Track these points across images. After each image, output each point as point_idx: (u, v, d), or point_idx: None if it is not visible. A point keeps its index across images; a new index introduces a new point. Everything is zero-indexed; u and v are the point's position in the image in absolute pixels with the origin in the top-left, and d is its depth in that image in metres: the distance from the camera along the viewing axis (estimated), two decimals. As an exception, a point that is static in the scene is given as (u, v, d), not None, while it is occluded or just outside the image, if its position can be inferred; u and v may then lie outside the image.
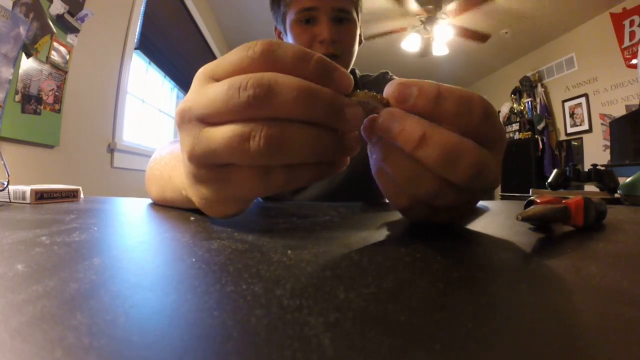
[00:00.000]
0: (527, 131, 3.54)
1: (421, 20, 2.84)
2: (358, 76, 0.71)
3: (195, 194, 0.21)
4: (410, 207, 0.21)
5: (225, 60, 0.18)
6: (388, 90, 0.18)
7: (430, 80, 0.18)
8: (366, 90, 0.19)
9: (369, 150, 0.21)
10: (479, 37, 3.01)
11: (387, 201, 0.84)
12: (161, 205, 0.36)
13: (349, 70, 0.67)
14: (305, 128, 0.16)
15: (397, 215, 0.32)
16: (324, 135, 0.17)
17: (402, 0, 2.59)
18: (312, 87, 0.16)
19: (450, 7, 2.69)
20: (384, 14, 2.77)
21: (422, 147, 0.16)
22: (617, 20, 2.59)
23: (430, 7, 2.70)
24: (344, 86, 0.17)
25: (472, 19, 2.85)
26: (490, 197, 3.97)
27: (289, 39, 0.61)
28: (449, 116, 0.17)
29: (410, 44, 3.03)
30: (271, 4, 0.63)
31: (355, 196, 0.65)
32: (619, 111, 2.58)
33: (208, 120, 0.17)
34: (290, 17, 0.59)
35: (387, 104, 0.18)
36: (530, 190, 1.61)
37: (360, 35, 0.65)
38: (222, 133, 0.16)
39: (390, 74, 0.71)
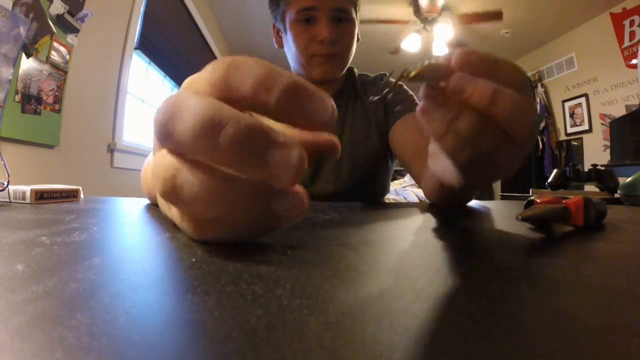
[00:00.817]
0: (527, 131, 3.54)
1: (421, 20, 2.84)
2: (357, 75, 0.71)
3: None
4: (473, 162, 0.21)
5: (195, 83, 0.15)
6: (453, 58, 0.20)
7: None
8: (427, 61, 0.20)
9: (420, 118, 0.22)
10: (492, 16, 2.91)
11: (386, 201, 0.84)
12: (156, 205, 0.35)
13: (347, 69, 0.67)
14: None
15: (396, 215, 0.32)
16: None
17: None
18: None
19: (453, 15, 2.69)
20: None
21: (494, 103, 0.18)
22: (617, 20, 2.59)
23: (434, 14, 2.69)
24: (318, 118, 0.14)
25: (473, 24, 2.85)
26: (491, 197, 3.97)
27: (288, 37, 0.61)
28: (502, 79, 0.19)
29: (411, 44, 3.03)
30: (270, 2, 0.63)
31: (359, 194, 0.65)
32: (619, 111, 2.58)
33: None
34: (289, 16, 0.59)
35: (451, 71, 0.20)
36: (530, 190, 1.61)
37: (357, 34, 0.65)
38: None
39: (388, 75, 0.72)
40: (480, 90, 0.19)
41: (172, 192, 0.14)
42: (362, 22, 0.67)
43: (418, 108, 0.22)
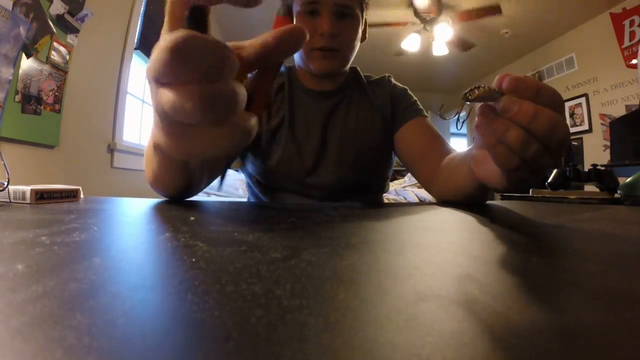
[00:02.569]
0: (527, 131, 3.54)
1: (422, 20, 2.84)
2: (362, 75, 0.72)
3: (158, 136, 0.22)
4: (518, 167, 0.27)
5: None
6: (504, 83, 0.26)
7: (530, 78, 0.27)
8: (486, 86, 0.26)
9: (476, 133, 0.29)
10: (464, 45, 3.05)
11: (386, 201, 0.84)
12: (155, 190, 0.42)
13: (350, 67, 0.68)
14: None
15: (396, 215, 0.32)
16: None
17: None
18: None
19: (454, 12, 2.69)
20: (386, 0, 2.75)
21: (534, 121, 0.25)
22: (617, 20, 2.59)
23: (437, 7, 2.69)
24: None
25: (473, 20, 2.85)
26: (491, 197, 3.97)
27: None
28: (543, 101, 0.26)
29: (410, 44, 3.03)
30: None
31: (362, 186, 0.66)
32: (619, 111, 2.58)
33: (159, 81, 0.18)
34: (295, 7, 0.60)
35: (502, 94, 0.26)
36: (531, 190, 1.61)
37: (364, 32, 0.65)
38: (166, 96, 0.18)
39: (392, 77, 0.73)
40: (524, 109, 0.25)
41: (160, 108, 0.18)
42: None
43: (475, 123, 0.28)
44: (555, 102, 0.26)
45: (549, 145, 0.26)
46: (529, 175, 0.29)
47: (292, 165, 0.62)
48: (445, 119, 0.45)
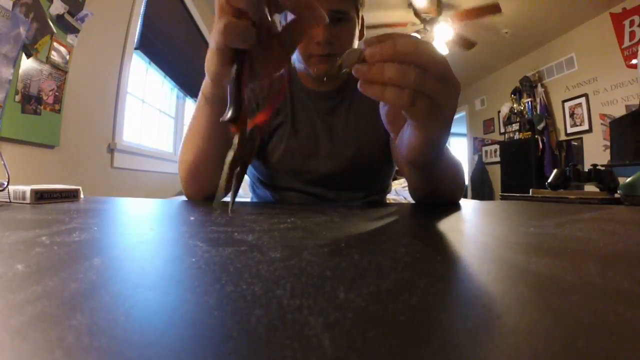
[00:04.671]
0: (527, 131, 3.54)
1: (422, 20, 2.84)
2: None
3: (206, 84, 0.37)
4: (414, 99, 0.28)
5: None
6: (362, 46, 0.28)
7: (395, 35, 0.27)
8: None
9: (362, 90, 0.29)
10: (466, 44, 3.04)
11: (387, 201, 0.84)
12: (195, 167, 0.48)
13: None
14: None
15: (396, 215, 0.32)
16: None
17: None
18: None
19: (453, 12, 2.70)
20: (385, 1, 2.76)
21: (397, 50, 0.26)
22: (617, 20, 2.59)
23: (438, 7, 2.69)
24: None
25: (472, 19, 2.85)
26: (491, 197, 3.97)
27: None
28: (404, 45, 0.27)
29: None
30: None
31: (362, 183, 0.66)
32: (619, 111, 2.58)
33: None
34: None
35: (364, 59, 0.27)
36: (531, 190, 1.61)
37: (361, 31, 0.65)
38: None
39: None
40: (386, 47, 0.27)
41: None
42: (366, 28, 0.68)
43: (358, 85, 0.28)
44: (416, 42, 0.26)
45: (428, 67, 0.26)
46: (434, 108, 0.28)
47: (293, 163, 0.62)
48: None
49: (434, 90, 0.27)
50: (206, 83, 0.38)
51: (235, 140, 0.21)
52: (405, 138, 0.35)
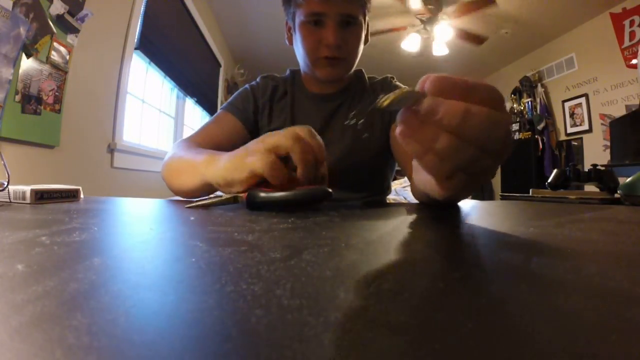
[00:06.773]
0: (527, 131, 3.54)
1: (421, 20, 2.84)
2: (366, 77, 0.73)
3: (220, 180, 0.39)
4: (452, 174, 0.24)
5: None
6: (426, 84, 0.21)
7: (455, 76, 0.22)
8: (403, 88, 0.22)
9: (400, 140, 0.23)
10: (476, 39, 3.02)
11: (387, 202, 0.84)
12: (180, 197, 0.50)
13: (354, 70, 0.68)
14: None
15: (396, 215, 0.32)
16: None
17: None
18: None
19: (450, 8, 2.70)
20: (385, 10, 2.77)
21: (464, 122, 0.20)
22: (617, 20, 2.59)
23: (432, 7, 2.70)
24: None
25: (472, 19, 2.85)
26: (491, 197, 3.96)
27: (297, 37, 0.63)
28: (475, 99, 0.21)
29: (410, 44, 3.03)
30: (283, 1, 0.65)
31: (362, 182, 0.66)
32: (619, 111, 2.58)
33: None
34: (299, 17, 0.60)
35: (424, 95, 0.21)
36: (531, 190, 1.61)
37: (366, 36, 0.66)
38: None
39: (394, 78, 0.74)
40: (452, 110, 0.20)
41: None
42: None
43: (397, 131, 0.23)
44: (491, 98, 0.22)
45: (486, 146, 0.21)
46: (468, 182, 0.24)
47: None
48: (344, 123, 0.48)
49: (481, 171, 0.23)
50: (218, 177, 0.39)
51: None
52: (424, 180, 0.28)
